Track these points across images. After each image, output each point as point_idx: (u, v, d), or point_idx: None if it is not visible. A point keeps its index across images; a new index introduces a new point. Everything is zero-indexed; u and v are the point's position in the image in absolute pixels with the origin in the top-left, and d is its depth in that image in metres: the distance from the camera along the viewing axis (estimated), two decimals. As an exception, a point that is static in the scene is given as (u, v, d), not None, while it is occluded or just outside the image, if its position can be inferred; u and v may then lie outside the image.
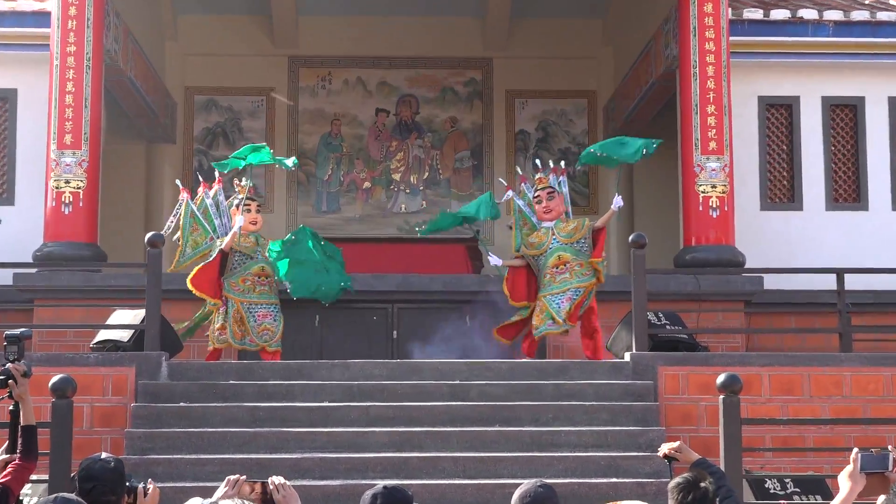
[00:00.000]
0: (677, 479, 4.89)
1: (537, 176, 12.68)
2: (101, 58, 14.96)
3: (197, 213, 12.44)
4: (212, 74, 20.31)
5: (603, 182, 20.16)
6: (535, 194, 12.57)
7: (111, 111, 16.88)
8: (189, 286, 11.93)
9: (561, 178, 12.79)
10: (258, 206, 12.50)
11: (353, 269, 14.82)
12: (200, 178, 13.00)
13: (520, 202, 12.77)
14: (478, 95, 20.85)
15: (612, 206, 12.44)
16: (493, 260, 12.55)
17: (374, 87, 20.76)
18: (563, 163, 13.49)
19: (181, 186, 12.84)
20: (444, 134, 20.78)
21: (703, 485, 4.85)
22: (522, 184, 12.92)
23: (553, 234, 12.29)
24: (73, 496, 4.61)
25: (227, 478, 4.83)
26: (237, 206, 12.38)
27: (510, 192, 12.86)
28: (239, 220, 12.16)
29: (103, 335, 11.55)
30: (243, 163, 12.44)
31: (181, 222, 12.46)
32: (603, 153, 12.56)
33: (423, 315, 14.08)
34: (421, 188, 20.60)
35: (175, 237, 12.48)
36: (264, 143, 12.96)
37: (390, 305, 14.73)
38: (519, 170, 13.72)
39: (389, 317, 14.87)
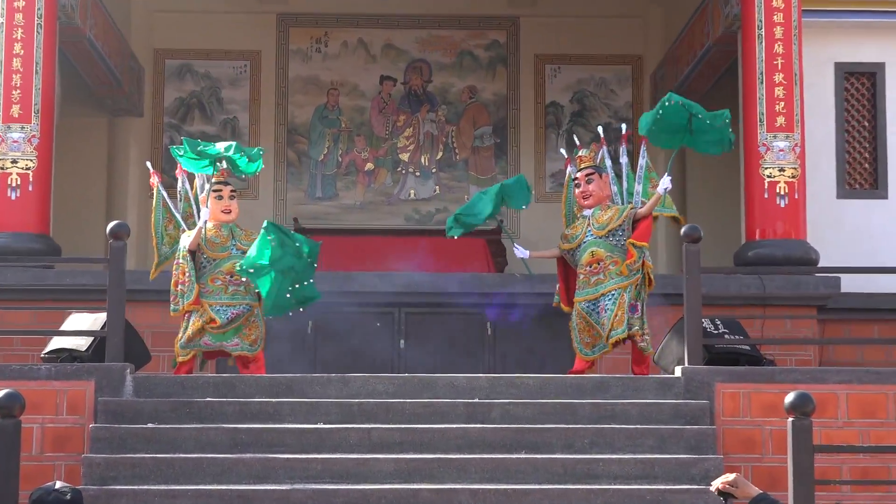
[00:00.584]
0: None
1: (578, 154, 12.62)
2: (55, 15, 14.98)
3: (170, 202, 12.38)
4: (186, 35, 20.36)
5: (651, 159, 20.12)
6: (574, 176, 12.53)
7: (67, 78, 16.92)
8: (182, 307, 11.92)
9: (601, 150, 12.69)
10: (232, 191, 12.33)
11: (353, 267, 14.87)
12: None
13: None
14: (501, 61, 20.85)
15: (657, 189, 12.37)
16: (519, 252, 12.51)
17: (379, 51, 20.79)
18: (623, 125, 13.22)
19: (151, 169, 12.78)
20: (462, 106, 20.79)
21: None
22: (568, 167, 12.86)
23: (589, 225, 12.25)
24: None
25: None
26: (212, 191, 12.31)
27: (570, 168, 12.76)
28: (204, 214, 12.08)
29: (57, 343, 11.56)
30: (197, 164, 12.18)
31: (153, 214, 12.36)
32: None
33: (435, 321, 14.08)
34: (433, 171, 20.63)
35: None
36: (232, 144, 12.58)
37: (396, 310, 14.74)
38: (563, 151, 13.62)
39: (395, 323, 14.88)
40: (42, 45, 14.69)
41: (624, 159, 12.65)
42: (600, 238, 12.15)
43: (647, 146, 12.66)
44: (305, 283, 11.71)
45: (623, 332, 11.87)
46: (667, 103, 12.19)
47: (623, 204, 12.46)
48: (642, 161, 12.64)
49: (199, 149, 12.06)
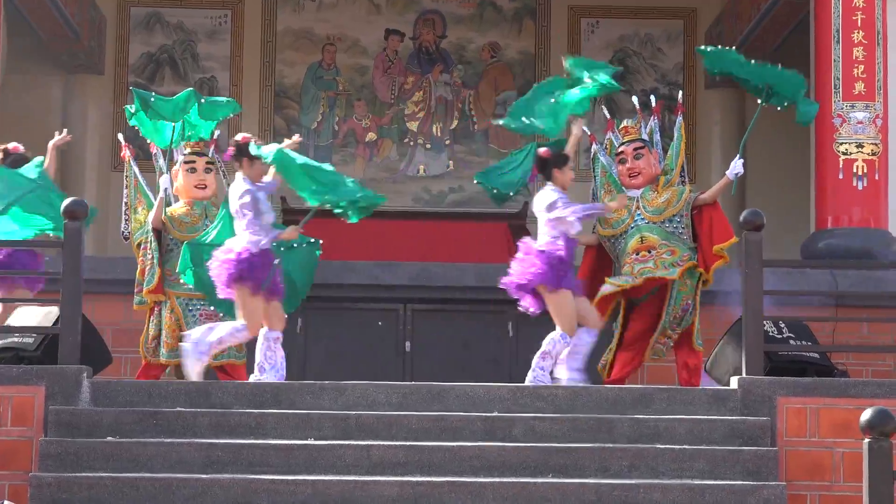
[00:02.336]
0: None
1: (623, 123, 12.67)
2: (3, -46, 15.04)
3: (142, 180, 12.51)
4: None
5: (703, 136, 20.17)
6: (619, 150, 12.56)
7: (15, 29, 16.98)
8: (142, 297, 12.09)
9: (653, 122, 12.73)
10: (207, 163, 12.44)
11: (352, 255, 14.90)
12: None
13: (604, 159, 12.74)
14: (529, 13, 20.90)
15: (727, 174, 12.42)
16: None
17: (384, 0, 20.81)
18: (680, 94, 13.25)
19: (123, 142, 12.85)
20: (481, 67, 20.85)
21: None
22: (609, 133, 12.91)
23: (637, 208, 12.30)
24: None
25: None
26: (184, 163, 12.41)
27: (595, 146, 12.84)
28: (163, 182, 12.19)
29: (0, 341, 11.63)
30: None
31: (129, 193, 12.53)
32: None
33: (447, 320, 14.13)
34: (447, 142, 20.69)
35: (123, 224, 12.57)
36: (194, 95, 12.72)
37: (402, 306, 14.80)
38: (606, 112, 13.60)
39: (401, 322, 14.94)
40: (-15, -10, 14.75)
41: (656, 136, 12.72)
42: (654, 224, 12.20)
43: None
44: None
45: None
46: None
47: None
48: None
49: (151, 102, 12.17)
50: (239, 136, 11.65)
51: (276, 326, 11.58)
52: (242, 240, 11.37)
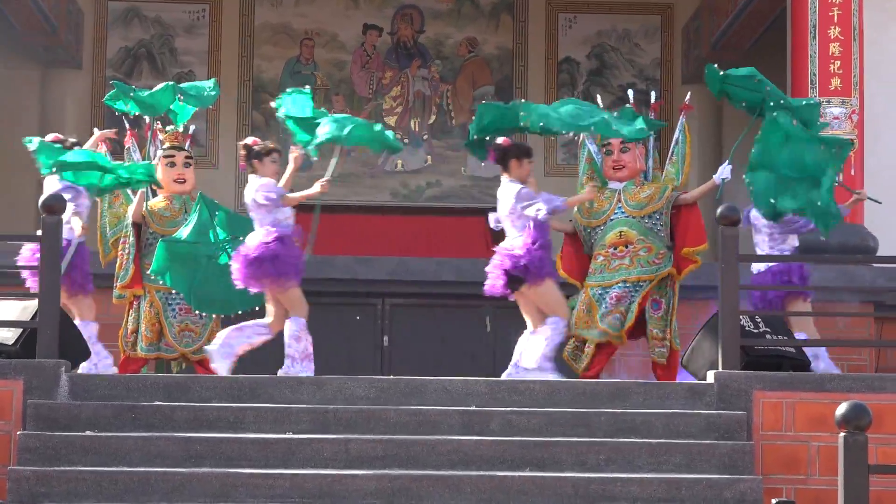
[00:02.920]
0: None
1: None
2: (-20, -52, 15.03)
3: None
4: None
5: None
6: (605, 141, 12.59)
7: (-8, 23, 16.97)
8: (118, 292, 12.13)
9: (652, 114, 12.80)
10: (187, 157, 12.50)
11: (331, 250, 14.91)
12: (126, 124, 13.06)
13: (592, 147, 12.77)
14: (507, 9, 20.92)
15: (714, 177, 12.50)
16: (494, 220, 12.62)
17: (362, -6, 20.84)
18: (653, 93, 13.43)
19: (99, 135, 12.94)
20: (459, 62, 20.88)
21: None
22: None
23: (619, 201, 12.34)
24: None
25: None
26: (163, 157, 12.47)
27: (583, 134, 12.84)
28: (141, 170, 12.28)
29: (-21, 336, 11.63)
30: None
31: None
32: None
33: (425, 315, 14.15)
34: (425, 137, 20.72)
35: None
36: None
37: (380, 301, 14.82)
38: (600, 102, 13.62)
39: (378, 316, 14.96)
40: (-37, -16, 14.74)
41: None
42: (634, 218, 12.25)
43: (686, 118, 12.74)
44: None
45: (617, 333, 12.12)
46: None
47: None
48: (678, 135, 12.70)
49: (131, 97, 12.29)
50: (249, 140, 11.97)
51: (300, 314, 11.81)
52: (259, 236, 11.59)
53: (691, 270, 12.35)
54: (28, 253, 12.36)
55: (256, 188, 11.58)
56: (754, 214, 12.48)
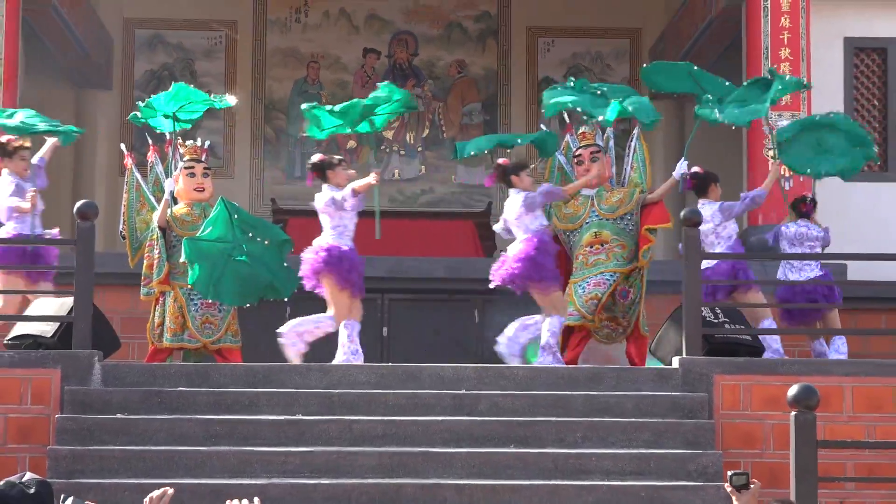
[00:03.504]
0: None
1: (581, 129, 12.71)
2: (20, -19, 15.00)
3: (143, 185, 12.56)
4: (157, 4, 20.35)
5: (648, 142, 20.19)
6: (576, 152, 12.61)
7: (32, 49, 16.93)
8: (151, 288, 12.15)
9: (609, 131, 12.80)
10: (205, 168, 12.51)
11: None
12: (150, 140, 13.04)
13: (561, 158, 12.81)
14: (492, 34, 20.90)
15: (673, 174, 12.52)
16: (500, 225, 12.63)
17: (362, 22, 20.82)
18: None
19: (126, 151, 12.92)
20: (449, 82, 20.85)
21: None
22: (567, 135, 12.95)
23: (592, 205, 12.35)
24: None
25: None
26: (184, 168, 12.47)
27: (569, 138, 12.86)
28: (168, 185, 12.28)
29: (21, 329, 11.59)
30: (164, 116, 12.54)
31: (126, 197, 12.58)
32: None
33: (420, 308, 14.15)
34: (419, 149, 20.69)
35: (122, 225, 12.58)
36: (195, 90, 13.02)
37: (379, 296, 14.79)
38: (567, 117, 13.67)
39: (378, 310, 14.93)
40: (5, 14, 14.71)
41: (611, 143, 12.77)
42: (607, 220, 12.26)
43: (640, 129, 12.75)
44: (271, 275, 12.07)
45: (591, 316, 12.13)
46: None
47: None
48: (634, 143, 12.71)
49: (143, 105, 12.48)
50: (315, 158, 12.26)
51: (355, 317, 11.96)
52: (327, 238, 11.89)
53: (649, 250, 12.26)
54: None
55: (336, 196, 11.92)
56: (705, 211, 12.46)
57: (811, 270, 13.10)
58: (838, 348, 13.00)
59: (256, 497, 4.98)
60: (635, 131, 12.70)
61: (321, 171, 12.13)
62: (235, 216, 12.06)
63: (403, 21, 20.84)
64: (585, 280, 12.23)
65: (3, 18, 14.67)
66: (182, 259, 11.87)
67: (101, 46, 19.38)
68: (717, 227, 12.33)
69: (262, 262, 11.98)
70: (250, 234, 12.03)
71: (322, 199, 11.98)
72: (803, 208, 13.41)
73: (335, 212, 11.93)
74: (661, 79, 12.80)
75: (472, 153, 12.96)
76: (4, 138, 12.47)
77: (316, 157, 12.30)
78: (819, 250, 13.22)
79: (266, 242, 12.09)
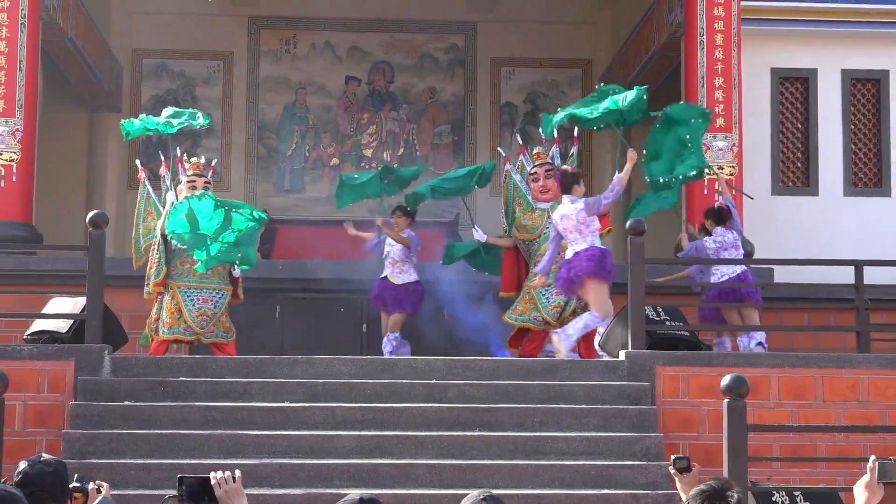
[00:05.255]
0: (701, 487, 4.91)
1: (535, 150, 12.74)
2: (38, 15, 14.93)
3: (153, 195, 12.58)
4: (162, 36, 20.29)
5: (598, 160, 20.24)
6: (532, 171, 12.64)
7: (49, 75, 16.85)
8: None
9: (573, 147, 12.86)
10: (206, 182, 12.48)
11: (319, 255, 14.87)
12: (162, 157, 13.01)
13: (516, 177, 12.86)
14: (459, 63, 20.89)
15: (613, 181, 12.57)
16: (478, 234, 12.64)
17: (345, 53, 20.78)
18: (576, 129, 13.42)
19: (140, 166, 12.93)
20: (422, 106, 20.82)
21: (730, 493, 4.86)
22: (521, 156, 12.98)
23: (549, 218, 12.36)
24: (6, 489, 4.61)
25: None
26: (186, 181, 12.44)
27: (508, 166, 12.92)
28: (170, 197, 12.29)
29: (39, 325, 11.54)
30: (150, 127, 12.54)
31: (138, 207, 12.61)
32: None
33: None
34: (395, 166, 20.62)
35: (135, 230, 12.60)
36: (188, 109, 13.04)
37: (359, 296, 14.74)
38: (519, 139, 13.76)
39: (358, 309, 14.89)
40: (26, 44, 14.64)
41: (557, 160, 12.82)
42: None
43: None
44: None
45: (554, 322, 12.15)
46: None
47: None
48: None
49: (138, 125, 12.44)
50: (567, 167, 12.15)
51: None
52: (587, 244, 11.73)
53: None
54: None
55: (584, 206, 11.78)
56: None
57: (732, 271, 13.01)
58: (760, 341, 12.99)
59: (238, 471, 4.95)
60: (574, 149, 12.84)
61: (568, 185, 11.94)
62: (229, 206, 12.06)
63: (381, 52, 20.81)
64: (546, 288, 12.24)
65: (25, 49, 14.59)
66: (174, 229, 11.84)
67: (111, 74, 19.31)
68: (580, 223, 12.02)
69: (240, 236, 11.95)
70: (235, 210, 12.04)
71: (572, 209, 11.75)
72: (724, 215, 13.23)
73: (587, 217, 11.75)
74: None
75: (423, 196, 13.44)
76: None
77: (568, 167, 12.21)
78: (741, 250, 13.09)
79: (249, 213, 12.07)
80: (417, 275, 13.37)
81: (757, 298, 13.10)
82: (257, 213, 12.11)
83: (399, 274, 13.35)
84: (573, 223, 11.71)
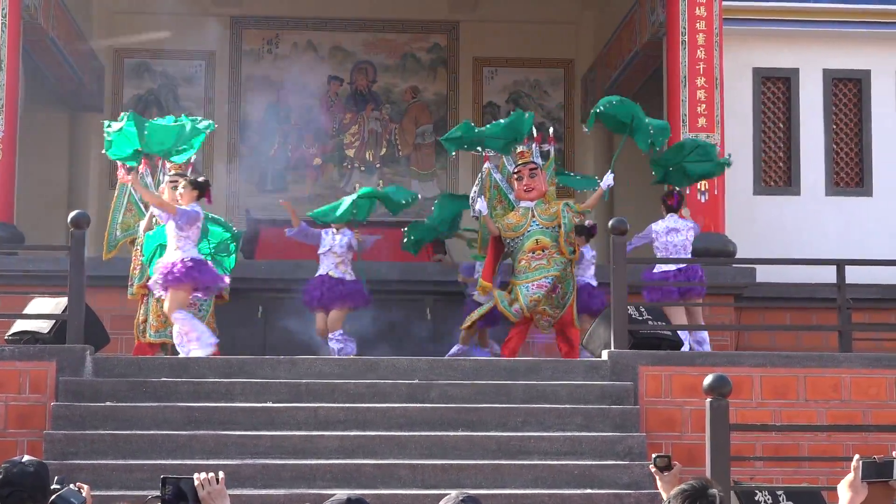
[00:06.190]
0: (682, 486, 4.90)
1: (519, 149, 12.75)
2: (19, 14, 14.88)
3: (134, 192, 12.52)
4: (144, 36, 20.21)
5: (580, 157, 20.24)
6: (515, 169, 12.67)
7: (30, 75, 16.78)
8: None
9: (549, 146, 12.92)
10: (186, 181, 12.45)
11: (301, 256, 14.84)
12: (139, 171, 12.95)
13: (497, 176, 12.86)
14: (442, 63, 20.87)
15: (600, 184, 12.62)
16: (481, 205, 12.61)
17: (327, 52, 20.74)
18: (551, 129, 13.58)
19: (120, 164, 12.82)
20: (404, 106, 20.79)
21: (711, 492, 4.85)
22: (487, 164, 13.00)
23: (533, 216, 12.41)
24: None
25: None
26: (168, 181, 12.39)
27: (487, 164, 12.93)
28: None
29: (20, 326, 11.50)
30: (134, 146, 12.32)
31: (114, 202, 12.55)
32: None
33: (377, 306, 14.05)
34: (377, 166, 20.62)
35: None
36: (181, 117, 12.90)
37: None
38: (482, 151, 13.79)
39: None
40: (6, 44, 14.59)
41: (538, 159, 12.85)
42: (546, 228, 12.37)
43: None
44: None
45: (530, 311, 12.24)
46: (612, 102, 12.56)
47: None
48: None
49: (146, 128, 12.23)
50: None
51: None
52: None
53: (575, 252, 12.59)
54: None
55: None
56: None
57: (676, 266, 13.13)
58: (703, 339, 13.11)
59: (221, 472, 4.94)
60: (551, 148, 12.96)
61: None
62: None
63: (364, 52, 20.78)
64: (530, 283, 12.27)
65: (6, 49, 14.54)
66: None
67: (93, 73, 19.24)
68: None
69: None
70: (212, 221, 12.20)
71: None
72: (670, 202, 13.33)
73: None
74: (609, 123, 12.96)
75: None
76: None
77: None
78: (690, 240, 13.18)
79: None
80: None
81: (702, 293, 13.21)
82: (230, 227, 12.39)
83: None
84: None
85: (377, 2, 20.36)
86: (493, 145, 12.85)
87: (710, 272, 14.25)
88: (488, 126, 13.12)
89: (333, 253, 13.19)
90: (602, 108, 12.72)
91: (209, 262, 11.81)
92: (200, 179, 11.88)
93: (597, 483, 9.88)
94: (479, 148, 13.02)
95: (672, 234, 13.09)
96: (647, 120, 12.75)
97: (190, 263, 11.46)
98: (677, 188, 13.43)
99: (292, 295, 13.81)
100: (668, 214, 13.25)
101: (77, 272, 10.92)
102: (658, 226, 13.19)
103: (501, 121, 13.16)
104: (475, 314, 12.58)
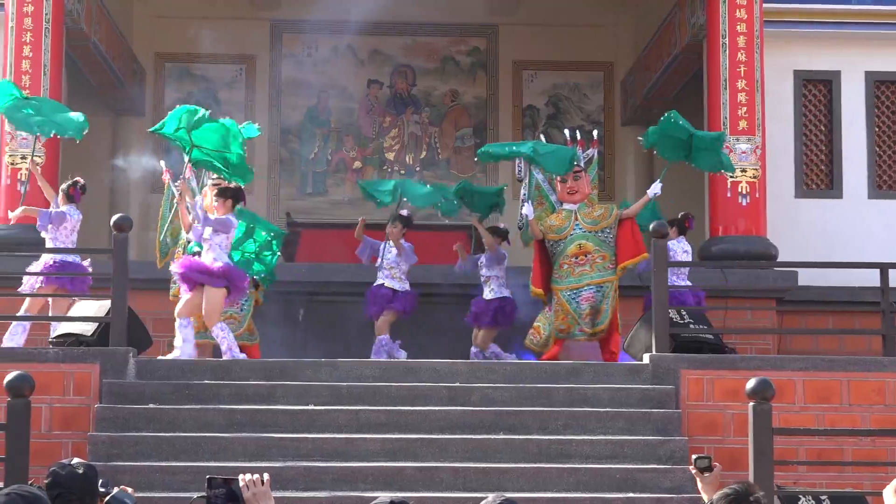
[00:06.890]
0: (725, 490, 4.89)
1: None
2: (62, 19, 14.98)
3: (175, 191, 12.54)
4: (185, 40, 20.29)
5: (620, 164, 20.20)
6: None
7: (73, 79, 16.89)
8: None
9: (591, 151, 12.85)
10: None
11: (342, 259, 14.88)
12: (186, 159, 12.99)
13: (539, 176, 12.81)
14: (481, 66, 20.87)
15: (647, 192, 12.55)
16: (527, 209, 12.56)
17: (366, 56, 20.78)
18: (595, 132, 13.52)
19: (165, 167, 12.89)
20: (444, 109, 20.81)
21: (754, 496, 4.84)
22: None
23: (576, 219, 12.36)
24: (29, 489, 4.60)
25: None
26: (211, 184, 12.44)
27: (520, 165, 12.92)
28: (198, 200, 12.25)
29: (64, 328, 11.56)
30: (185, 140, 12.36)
31: (162, 209, 12.59)
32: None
33: (419, 308, 14.08)
34: (417, 169, 20.64)
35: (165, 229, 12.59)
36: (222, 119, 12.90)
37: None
38: (542, 138, 13.76)
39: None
40: (50, 48, 14.70)
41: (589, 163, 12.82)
42: (590, 233, 12.30)
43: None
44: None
45: (605, 324, 12.11)
46: (671, 120, 12.37)
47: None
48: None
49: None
50: None
51: None
52: None
53: (625, 269, 12.46)
54: None
55: None
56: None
57: (682, 281, 13.14)
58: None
59: (266, 473, 4.95)
60: (592, 151, 12.87)
61: None
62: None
63: (403, 55, 20.81)
64: (572, 291, 12.20)
65: (49, 54, 14.66)
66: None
67: (134, 78, 19.36)
68: None
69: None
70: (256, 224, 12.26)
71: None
72: (686, 224, 13.44)
73: None
74: (662, 148, 12.79)
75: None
76: None
77: None
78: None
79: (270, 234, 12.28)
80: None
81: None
82: (274, 228, 12.45)
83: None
84: None
85: (417, 6, 20.35)
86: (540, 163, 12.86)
87: (752, 276, 14.21)
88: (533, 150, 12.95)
89: (389, 266, 13.27)
90: (660, 128, 12.53)
91: (236, 267, 11.84)
92: (232, 185, 11.87)
93: (638, 487, 9.85)
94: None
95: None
96: (701, 133, 12.61)
97: (224, 267, 11.50)
98: (691, 214, 13.46)
99: (334, 297, 13.85)
100: (680, 236, 13.26)
101: (120, 275, 10.97)
102: (674, 245, 13.16)
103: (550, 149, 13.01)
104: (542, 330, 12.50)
